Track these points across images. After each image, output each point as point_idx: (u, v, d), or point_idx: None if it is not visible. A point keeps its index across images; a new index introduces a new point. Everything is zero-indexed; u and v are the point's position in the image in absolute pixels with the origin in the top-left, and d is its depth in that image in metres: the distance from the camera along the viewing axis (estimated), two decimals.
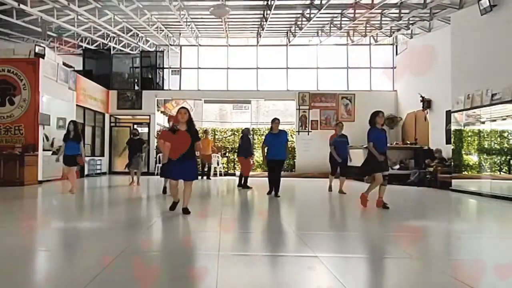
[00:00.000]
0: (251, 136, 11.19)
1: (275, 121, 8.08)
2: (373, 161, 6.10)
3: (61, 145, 8.49)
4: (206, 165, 13.40)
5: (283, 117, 15.71)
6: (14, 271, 2.93)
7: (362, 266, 3.31)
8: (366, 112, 11.57)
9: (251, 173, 10.41)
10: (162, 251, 3.81)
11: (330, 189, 8.95)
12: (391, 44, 16.10)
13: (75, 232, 4.68)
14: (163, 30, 15.01)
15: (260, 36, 15.58)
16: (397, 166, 12.09)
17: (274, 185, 8.02)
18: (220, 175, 14.61)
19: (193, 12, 13.17)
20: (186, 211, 5.39)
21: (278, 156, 7.85)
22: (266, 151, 7.96)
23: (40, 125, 10.66)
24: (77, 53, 16.63)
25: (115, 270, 2.93)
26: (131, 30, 14.52)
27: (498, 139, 8.62)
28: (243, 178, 10.02)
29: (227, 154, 16.01)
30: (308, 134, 15.63)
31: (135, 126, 15.28)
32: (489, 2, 8.67)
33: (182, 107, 5.55)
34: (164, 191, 7.88)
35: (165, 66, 16.84)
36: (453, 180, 9.80)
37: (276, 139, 7.90)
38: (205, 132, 13.81)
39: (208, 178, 13.25)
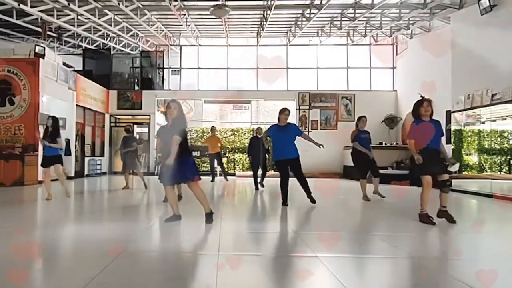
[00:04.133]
0: (261, 136, 10.08)
1: (285, 111, 6.60)
2: (415, 162, 4.92)
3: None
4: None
5: None
6: (12, 271, 2.92)
7: (362, 266, 3.31)
8: (366, 112, 11.55)
9: (245, 173, 9.98)
10: (161, 251, 3.81)
11: (366, 197, 7.31)
12: (391, 44, 16.11)
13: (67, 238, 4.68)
14: (163, 30, 15.01)
15: (260, 36, 15.58)
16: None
17: (303, 188, 6.58)
18: (220, 175, 14.58)
19: (193, 12, 13.17)
20: (209, 219, 4.73)
21: (286, 154, 6.43)
22: (271, 147, 6.63)
23: (40, 125, 10.66)
24: (77, 53, 16.65)
25: (115, 271, 2.93)
26: (131, 30, 14.52)
27: (498, 139, 8.62)
28: (258, 178, 9.80)
29: (227, 154, 15.99)
30: (308, 134, 15.62)
31: (134, 126, 15.11)
32: (489, 2, 8.67)
33: (172, 100, 4.78)
34: (166, 200, 6.79)
35: (165, 66, 16.86)
36: (453, 180, 9.79)
37: (283, 133, 6.47)
38: (212, 129, 13.16)
39: (213, 180, 12.66)
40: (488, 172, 8.72)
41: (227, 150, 16.00)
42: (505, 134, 8.39)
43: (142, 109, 15.98)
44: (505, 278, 2.93)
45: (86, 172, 13.77)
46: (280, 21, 14.10)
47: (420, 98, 5.22)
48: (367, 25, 14.02)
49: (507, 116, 8.22)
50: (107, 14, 12.44)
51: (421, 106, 5.06)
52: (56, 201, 6.99)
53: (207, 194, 9.08)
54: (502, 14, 8.56)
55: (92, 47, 16.04)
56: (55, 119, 7.35)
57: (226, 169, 15.62)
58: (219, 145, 12.89)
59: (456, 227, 4.81)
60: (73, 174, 12.57)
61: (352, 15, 12.26)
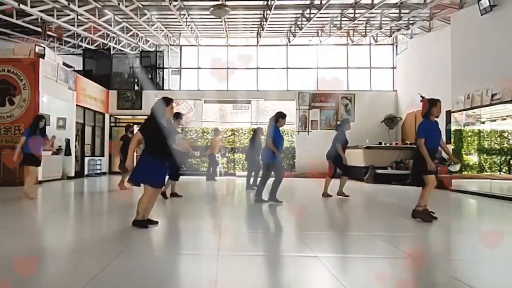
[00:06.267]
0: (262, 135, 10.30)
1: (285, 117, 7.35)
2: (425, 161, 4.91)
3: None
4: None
5: None
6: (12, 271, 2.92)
7: (362, 266, 3.31)
8: (366, 112, 11.56)
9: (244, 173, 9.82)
10: (162, 251, 3.81)
11: (327, 194, 7.86)
12: (391, 44, 16.11)
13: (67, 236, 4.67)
14: (163, 30, 15.02)
15: (260, 36, 15.58)
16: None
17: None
18: (220, 175, 14.57)
19: (193, 12, 13.17)
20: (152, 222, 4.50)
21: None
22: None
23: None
24: (77, 53, 16.65)
25: (114, 271, 2.93)
26: (131, 30, 14.52)
27: (498, 139, 8.62)
28: (252, 179, 9.76)
29: (227, 154, 15.99)
30: (308, 134, 15.63)
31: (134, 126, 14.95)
32: (489, 2, 8.67)
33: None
34: (165, 195, 6.95)
35: (165, 66, 16.86)
36: (452, 180, 9.80)
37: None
38: (217, 131, 13.20)
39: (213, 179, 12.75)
40: (488, 172, 8.72)
41: (227, 150, 16.02)
42: (505, 134, 8.39)
43: (142, 109, 15.98)
44: (505, 278, 2.93)
45: (86, 172, 13.77)
46: (280, 21, 14.10)
47: (420, 97, 5.25)
48: (367, 25, 14.02)
49: (507, 116, 8.22)
50: (107, 14, 12.45)
51: (436, 106, 5.04)
52: (55, 201, 6.98)
53: (207, 193, 9.10)
54: (502, 14, 8.57)
55: (92, 47, 16.04)
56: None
57: (226, 169, 15.66)
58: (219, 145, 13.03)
59: (456, 227, 4.81)
60: (73, 174, 12.57)
61: (352, 15, 12.27)
